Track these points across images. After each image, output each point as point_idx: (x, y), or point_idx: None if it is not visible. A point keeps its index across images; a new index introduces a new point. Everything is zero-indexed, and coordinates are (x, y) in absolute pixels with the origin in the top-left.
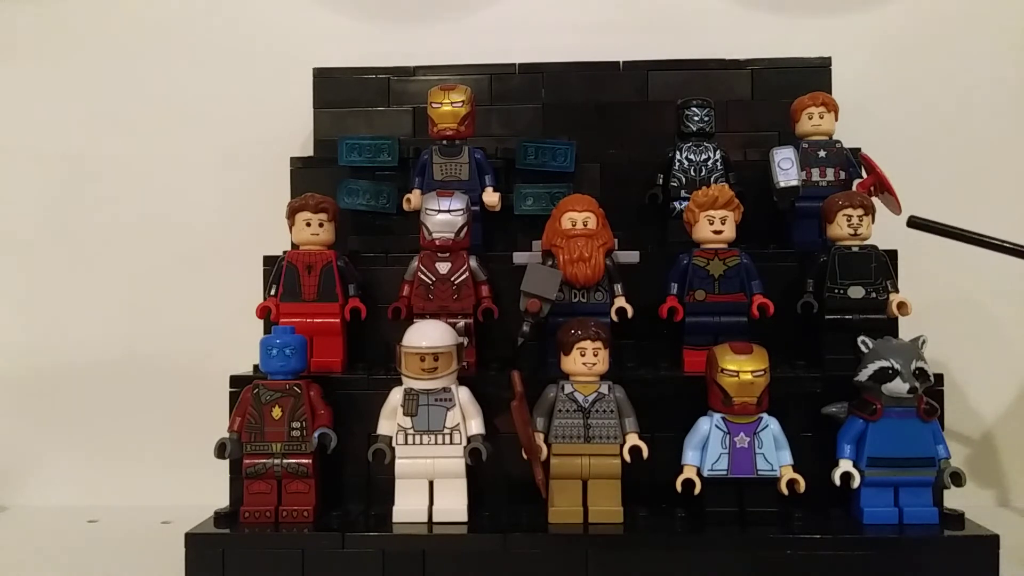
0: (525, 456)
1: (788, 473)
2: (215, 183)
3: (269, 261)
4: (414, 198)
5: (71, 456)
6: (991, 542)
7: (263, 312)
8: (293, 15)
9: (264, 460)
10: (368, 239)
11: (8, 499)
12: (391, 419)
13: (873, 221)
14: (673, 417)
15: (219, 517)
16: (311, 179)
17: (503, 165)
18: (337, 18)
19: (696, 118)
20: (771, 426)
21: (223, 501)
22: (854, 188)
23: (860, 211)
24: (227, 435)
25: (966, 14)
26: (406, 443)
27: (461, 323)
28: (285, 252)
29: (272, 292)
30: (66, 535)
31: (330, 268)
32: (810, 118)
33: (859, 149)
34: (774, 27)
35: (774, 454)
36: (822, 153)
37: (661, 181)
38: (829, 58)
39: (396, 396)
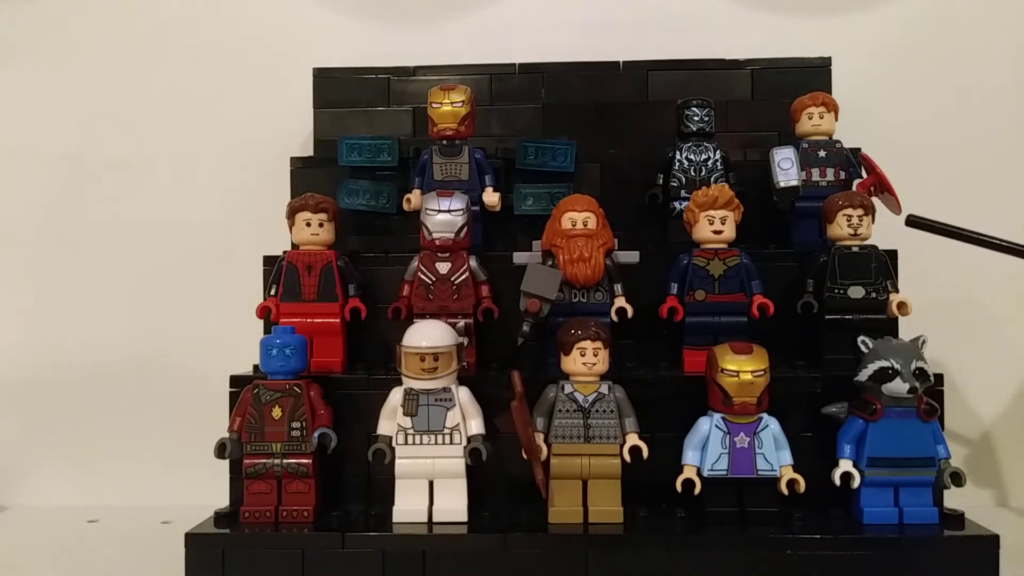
0: (525, 456)
1: (788, 473)
2: (215, 183)
3: (269, 261)
4: (414, 198)
5: (71, 456)
6: (991, 542)
7: (263, 312)
8: (293, 15)
9: (264, 460)
10: (368, 239)
11: (8, 499)
12: (391, 419)
13: (873, 221)
14: (673, 417)
15: (219, 517)
16: (311, 179)
17: (503, 165)
18: (337, 18)
19: (696, 118)
20: (771, 426)
21: (223, 501)
22: (854, 188)
23: (860, 211)
24: (227, 435)
25: (966, 14)
26: (406, 443)
27: (461, 323)
28: (285, 252)
29: (272, 292)
30: (66, 535)
31: (330, 268)
32: (810, 118)
33: (859, 149)
34: (774, 27)
35: (774, 454)
36: (822, 153)
37: (661, 181)
38: (829, 58)
39: (396, 396)
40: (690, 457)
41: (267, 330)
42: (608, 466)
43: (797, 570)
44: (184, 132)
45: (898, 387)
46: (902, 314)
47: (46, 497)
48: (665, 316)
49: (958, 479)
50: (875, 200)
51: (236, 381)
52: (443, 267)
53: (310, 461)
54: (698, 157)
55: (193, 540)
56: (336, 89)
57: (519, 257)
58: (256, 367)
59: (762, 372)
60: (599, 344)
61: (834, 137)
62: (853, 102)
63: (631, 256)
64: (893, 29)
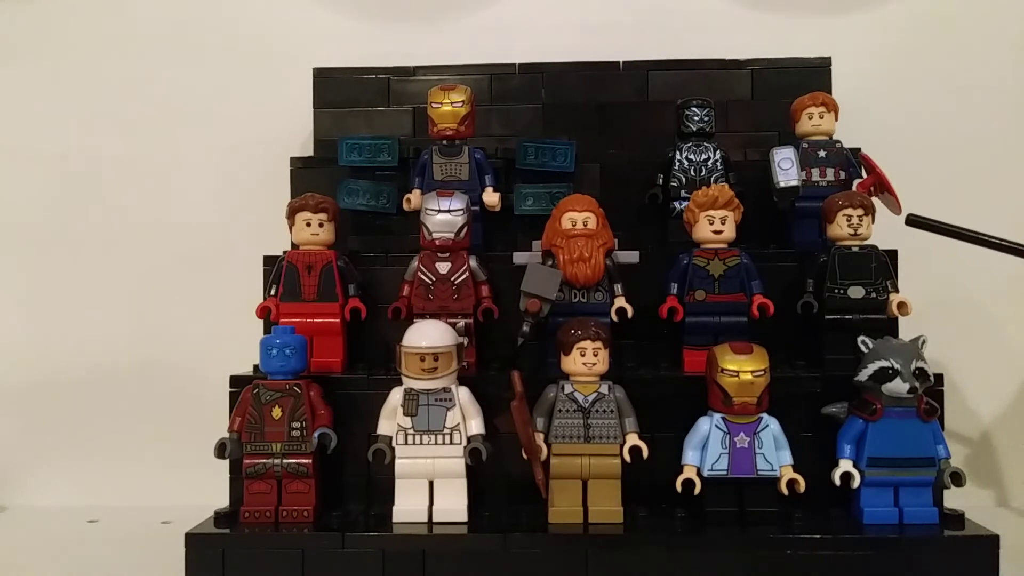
0: (525, 456)
1: (788, 473)
2: (215, 183)
3: (269, 261)
4: (414, 198)
5: (71, 456)
6: (991, 542)
7: (263, 312)
8: (293, 15)
9: (264, 460)
10: (368, 239)
11: (8, 499)
12: (391, 419)
13: (873, 221)
14: (673, 417)
15: (219, 517)
16: (311, 179)
17: (503, 165)
18: (337, 18)
19: (696, 118)
20: (771, 426)
21: (223, 501)
22: (854, 188)
23: (860, 211)
24: (227, 435)
25: (966, 14)
26: (406, 443)
27: (461, 323)
28: (285, 252)
29: (272, 292)
30: (66, 535)
31: (330, 268)
32: (810, 118)
33: (859, 149)
34: (774, 27)
35: (774, 454)
36: (822, 153)
37: (661, 181)
38: (829, 58)
39: (396, 396)
40: (690, 457)
41: (267, 330)
42: (608, 466)
43: (797, 570)
44: (184, 132)
45: (898, 387)
46: (902, 314)
47: (46, 497)
48: (665, 316)
49: (958, 479)
50: (875, 200)
51: (236, 381)
52: (443, 267)
53: (310, 461)
54: (698, 157)
55: (193, 540)
56: (336, 89)
57: (519, 257)
58: (256, 367)
59: (762, 372)
60: (599, 344)
61: (834, 137)
62: (853, 102)
63: (631, 256)
64: (893, 29)
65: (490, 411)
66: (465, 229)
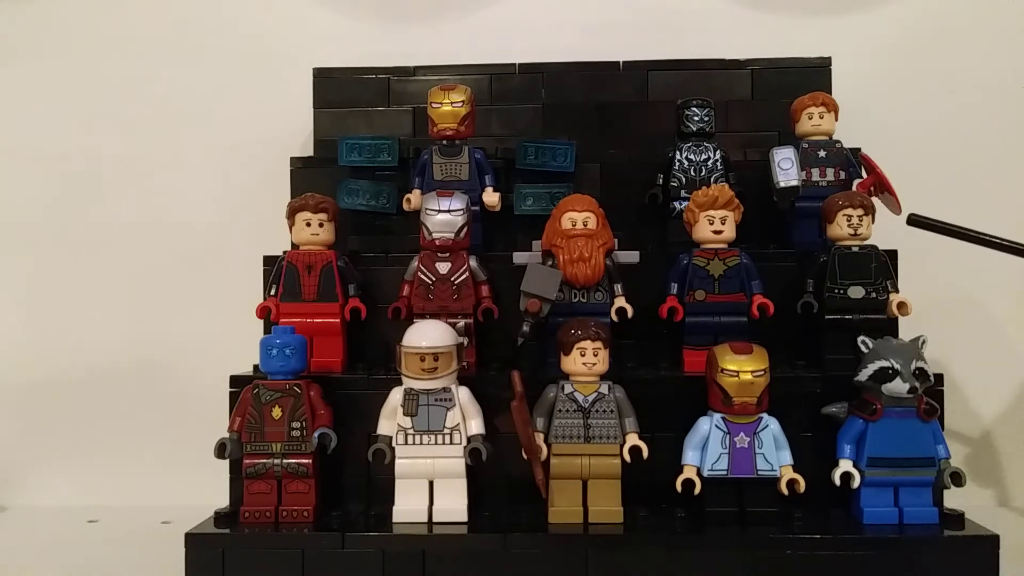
0: (525, 456)
1: (788, 473)
2: (215, 183)
3: (269, 261)
4: (414, 198)
5: (71, 456)
6: (991, 542)
7: (263, 312)
8: (293, 15)
9: (264, 460)
10: (368, 239)
11: (8, 499)
12: (391, 419)
13: (873, 221)
14: (673, 417)
15: (219, 517)
16: (311, 179)
17: (503, 165)
18: (337, 18)
19: (696, 118)
20: (771, 426)
21: (223, 501)
22: (854, 188)
23: (860, 211)
24: (227, 435)
25: (966, 14)
26: (406, 443)
27: (461, 323)
28: (285, 252)
29: (272, 292)
30: (66, 535)
31: (330, 268)
32: (810, 118)
33: (859, 149)
34: (774, 27)
35: (774, 454)
36: (822, 153)
37: (661, 181)
38: (829, 58)
39: (396, 396)
40: (690, 457)
41: (267, 330)
42: (608, 466)
43: (797, 570)
44: (184, 132)
45: (898, 387)
46: (902, 314)
47: (46, 497)
48: (665, 316)
49: (958, 479)
50: (875, 200)
51: (236, 381)
52: (443, 267)
53: (310, 461)
54: (698, 157)
55: (193, 540)
56: (336, 89)
57: (519, 257)
58: (256, 367)
59: (762, 372)
60: (599, 344)
61: (834, 137)
62: (853, 102)
63: (631, 256)
64: (893, 29)
65: (490, 411)
66: (465, 229)
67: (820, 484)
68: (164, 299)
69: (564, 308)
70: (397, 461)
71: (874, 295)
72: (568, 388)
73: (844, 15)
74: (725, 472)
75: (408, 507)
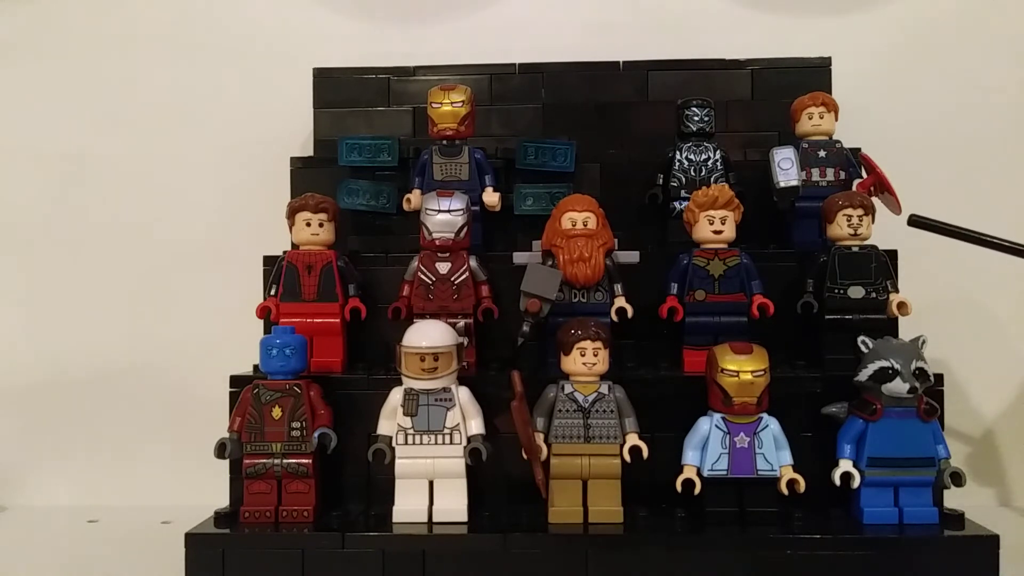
0: (525, 456)
1: (788, 473)
2: (215, 183)
3: (269, 261)
4: (414, 198)
5: (71, 456)
6: (991, 542)
7: (263, 312)
8: (293, 15)
9: (264, 460)
10: (368, 239)
11: (8, 499)
12: (391, 419)
13: (873, 221)
14: (673, 417)
15: (219, 517)
16: (311, 179)
17: (503, 165)
18: (337, 18)
19: (696, 118)
20: (771, 426)
21: (223, 501)
22: (854, 188)
23: (860, 211)
24: (227, 435)
25: (966, 14)
26: (406, 443)
27: (461, 323)
28: (285, 252)
29: (272, 292)
30: (66, 535)
31: (330, 268)
32: (810, 118)
33: (859, 149)
34: (774, 27)
35: (774, 454)
36: (822, 153)
37: (661, 181)
38: (829, 58)
39: (396, 396)
40: (690, 457)
41: (267, 330)
42: (608, 466)
43: (797, 570)
44: (184, 132)
45: (898, 387)
46: (902, 314)
47: (46, 497)
48: (665, 316)
49: (958, 479)
50: (875, 200)
51: (236, 381)
52: (443, 267)
53: (310, 461)
54: (698, 157)
55: (193, 540)
56: (336, 89)
57: (519, 257)
58: (256, 367)
59: (762, 372)
60: (599, 344)
61: (834, 137)
62: (853, 102)
63: (631, 256)
64: (893, 29)
65: (490, 411)
66: (465, 229)
67: (820, 484)
68: (164, 299)
69: (564, 308)
70: (397, 461)
71: (874, 295)
72: (568, 388)
73: (844, 15)
74: (725, 472)
75: (408, 507)
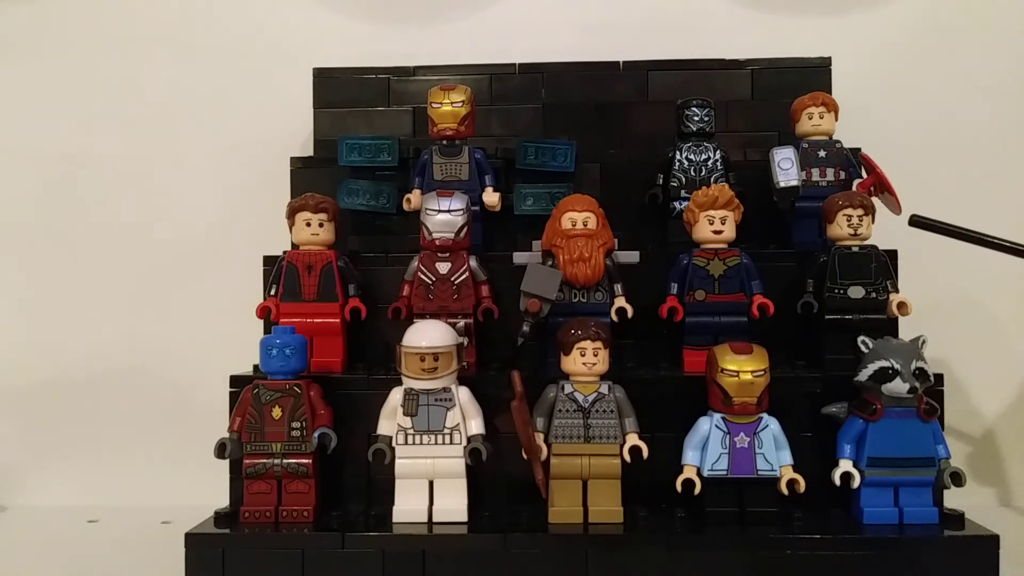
0: (525, 456)
1: (788, 473)
2: (215, 183)
3: (269, 261)
4: (414, 198)
5: (71, 456)
6: (991, 542)
7: (263, 312)
8: (293, 15)
9: (264, 460)
10: (368, 239)
11: (8, 499)
12: (391, 419)
13: (873, 221)
14: (673, 417)
15: (219, 517)
16: (311, 179)
17: (503, 165)
18: (337, 18)
19: (696, 118)
20: (771, 426)
21: (223, 501)
22: (854, 188)
23: (860, 211)
24: (227, 435)
25: (966, 14)
26: (406, 443)
27: (461, 323)
28: (285, 252)
29: (272, 292)
30: (66, 535)
31: (330, 268)
32: (810, 118)
33: (859, 149)
34: (774, 27)
35: (774, 454)
36: (822, 153)
37: (661, 181)
38: (829, 58)
39: (396, 396)
40: (690, 457)
41: (267, 330)
42: (608, 466)
43: (797, 570)
44: (184, 132)
45: (898, 387)
46: (902, 314)
47: (46, 497)
48: (665, 316)
49: (958, 479)
50: (875, 200)
51: (236, 381)
52: (443, 267)
53: (310, 461)
54: (698, 157)
55: (193, 540)
56: (336, 89)
57: (519, 257)
58: (256, 367)
59: (762, 372)
60: (599, 344)
61: (834, 137)
62: (853, 102)
63: (631, 256)
64: (893, 29)
65: (490, 411)
66: (465, 229)
67: (820, 484)
68: (164, 299)
69: (564, 308)
70: (397, 461)
71: (874, 295)
72: (568, 388)
73: (844, 15)
74: (725, 472)
75: (408, 507)
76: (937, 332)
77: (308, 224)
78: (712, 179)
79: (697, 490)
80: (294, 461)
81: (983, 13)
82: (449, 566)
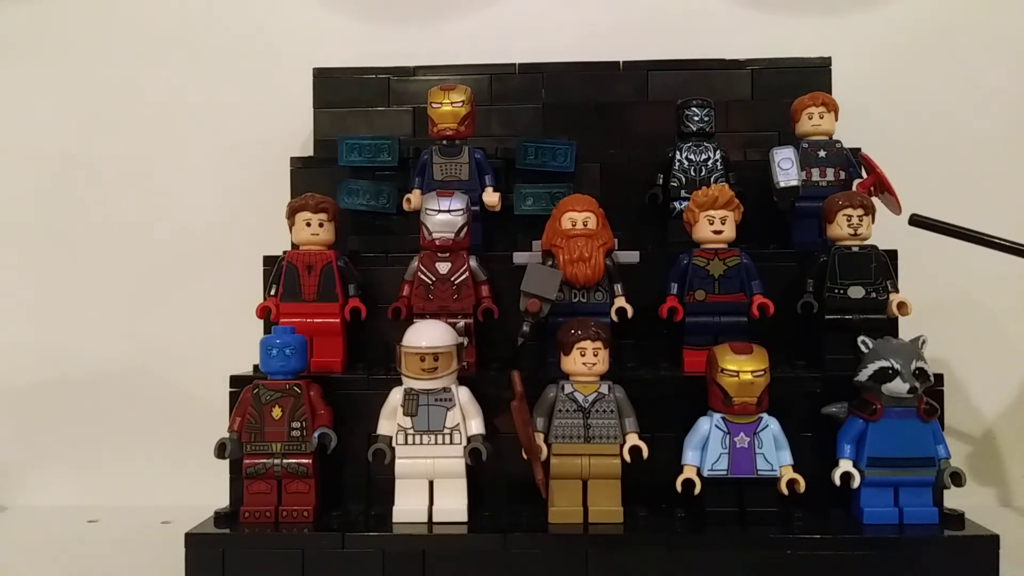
0: (525, 456)
1: (788, 473)
2: (215, 183)
3: (269, 261)
4: (414, 198)
5: (71, 456)
6: (991, 542)
7: (263, 312)
8: (293, 15)
9: (264, 460)
10: (368, 239)
11: (8, 499)
12: (391, 419)
13: (873, 221)
14: (673, 417)
15: (219, 517)
16: (311, 179)
17: (503, 165)
18: (337, 18)
19: (696, 118)
20: (771, 426)
21: (223, 501)
22: (854, 188)
23: (860, 211)
24: (227, 435)
25: (966, 14)
26: (406, 443)
27: (461, 323)
28: (285, 252)
29: (272, 292)
30: (66, 535)
31: (330, 268)
32: (810, 118)
33: (859, 149)
34: (774, 27)
35: (774, 454)
36: (822, 153)
37: (661, 181)
38: (829, 58)
39: (396, 396)
40: (690, 457)
41: (267, 330)
42: (608, 466)
43: (797, 570)
44: (184, 132)
45: (898, 387)
46: (902, 314)
47: (46, 497)
48: (665, 316)
49: (958, 479)
50: (875, 200)
51: (236, 381)
52: (443, 267)
53: (310, 461)
54: (698, 157)
55: (193, 540)
56: (336, 89)
57: (519, 257)
58: (256, 367)
59: (762, 372)
60: (599, 344)
61: (834, 137)
62: (853, 102)
63: (631, 256)
64: (893, 29)
65: (490, 411)
66: (465, 229)
67: (820, 484)
68: (164, 299)
69: (564, 308)
70: (397, 461)
71: (874, 295)
72: (568, 388)
73: (844, 15)
74: (725, 472)
75: (408, 507)
76: (937, 332)
77: (308, 224)
78: (712, 179)
79: (697, 490)
80: (294, 461)
81: (983, 14)
82: (449, 566)
